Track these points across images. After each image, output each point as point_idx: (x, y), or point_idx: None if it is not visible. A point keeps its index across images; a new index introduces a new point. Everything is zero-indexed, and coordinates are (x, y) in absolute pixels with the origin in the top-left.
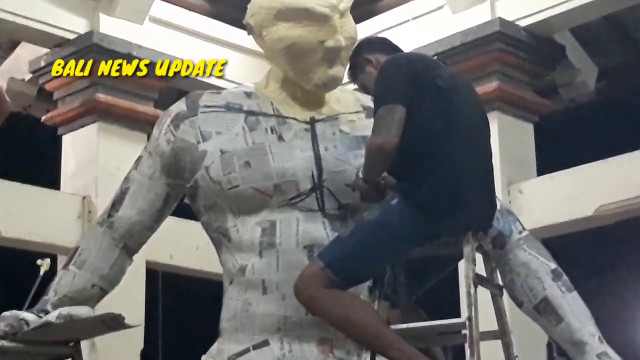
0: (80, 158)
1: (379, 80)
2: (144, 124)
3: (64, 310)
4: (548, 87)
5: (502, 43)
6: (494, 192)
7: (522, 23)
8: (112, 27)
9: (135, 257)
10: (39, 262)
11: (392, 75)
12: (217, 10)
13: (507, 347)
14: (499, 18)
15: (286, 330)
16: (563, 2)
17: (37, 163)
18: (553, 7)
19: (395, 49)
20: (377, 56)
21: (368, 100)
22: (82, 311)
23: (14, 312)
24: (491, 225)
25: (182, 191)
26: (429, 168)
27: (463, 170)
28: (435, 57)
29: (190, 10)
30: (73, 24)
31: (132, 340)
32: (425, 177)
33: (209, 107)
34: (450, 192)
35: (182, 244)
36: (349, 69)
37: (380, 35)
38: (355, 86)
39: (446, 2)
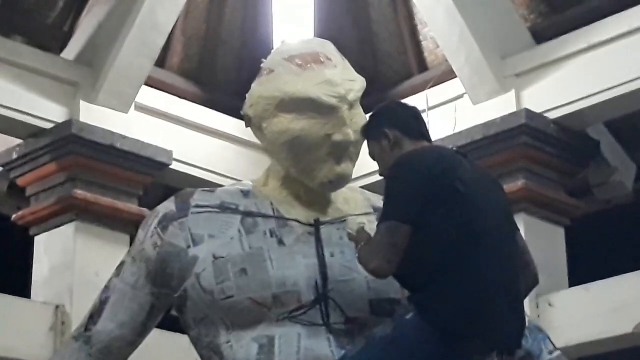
0: (54, 262)
1: (388, 185)
2: (127, 225)
3: None
4: (581, 186)
5: (529, 137)
6: (523, 307)
7: (552, 115)
8: (93, 115)
9: None
10: None
11: (404, 184)
12: (211, 98)
13: None
14: (526, 109)
15: None
16: (597, 93)
17: (5, 267)
18: (586, 98)
19: (420, 133)
20: (397, 134)
21: (379, 201)
22: None
23: None
24: (520, 345)
25: (169, 302)
26: (449, 283)
27: (488, 284)
28: (456, 150)
29: (180, 97)
30: (50, 113)
31: None
32: (444, 293)
33: (201, 207)
34: (474, 309)
35: None
36: (364, 126)
37: None
38: (365, 183)
39: (466, 91)
